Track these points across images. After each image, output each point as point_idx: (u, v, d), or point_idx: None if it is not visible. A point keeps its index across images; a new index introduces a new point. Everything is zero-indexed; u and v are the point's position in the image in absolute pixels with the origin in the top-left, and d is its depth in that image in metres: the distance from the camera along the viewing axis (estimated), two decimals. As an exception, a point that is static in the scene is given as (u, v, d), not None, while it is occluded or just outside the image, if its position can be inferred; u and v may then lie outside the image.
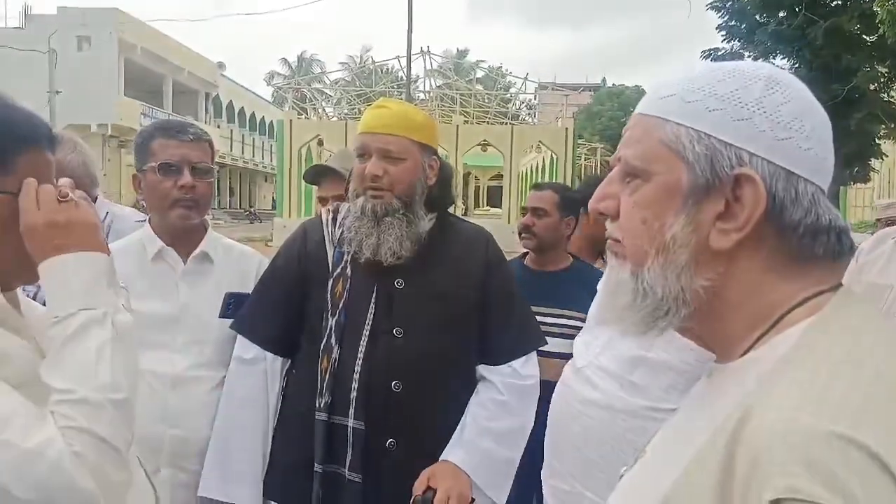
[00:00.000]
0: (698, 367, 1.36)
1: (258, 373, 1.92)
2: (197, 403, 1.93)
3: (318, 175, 2.90)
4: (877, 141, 13.51)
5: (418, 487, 1.76)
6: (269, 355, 1.93)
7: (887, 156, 15.40)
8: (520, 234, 2.94)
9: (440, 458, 1.82)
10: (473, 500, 1.81)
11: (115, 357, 1.04)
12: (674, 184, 0.78)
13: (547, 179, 23.25)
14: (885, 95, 12.94)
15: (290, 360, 1.97)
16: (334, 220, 1.95)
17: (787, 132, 0.74)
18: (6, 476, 0.93)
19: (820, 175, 0.76)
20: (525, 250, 2.97)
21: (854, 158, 12.94)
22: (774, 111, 0.75)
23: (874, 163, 13.97)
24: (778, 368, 0.70)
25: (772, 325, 0.76)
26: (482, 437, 1.84)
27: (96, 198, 2.46)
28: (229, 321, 1.99)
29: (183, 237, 2.01)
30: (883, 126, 12.90)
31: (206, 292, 2.01)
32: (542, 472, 1.77)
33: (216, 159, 2.13)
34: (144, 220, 2.60)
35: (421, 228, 1.87)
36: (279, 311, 1.93)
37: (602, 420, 1.55)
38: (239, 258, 2.12)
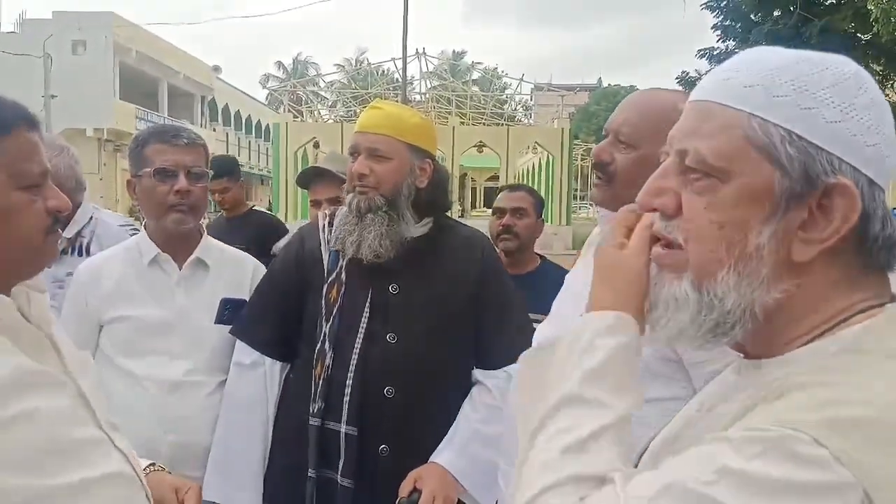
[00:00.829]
0: (652, 361, 1.33)
1: (257, 377, 1.93)
2: (194, 408, 1.94)
3: (310, 177, 2.89)
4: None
5: (404, 489, 1.77)
6: (268, 360, 1.94)
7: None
8: (498, 235, 2.89)
9: (429, 461, 1.82)
10: (460, 502, 1.81)
11: None
12: (763, 188, 0.70)
13: (544, 180, 23.27)
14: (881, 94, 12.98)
15: (288, 365, 1.98)
16: (330, 224, 1.96)
17: (875, 137, 0.69)
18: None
19: (888, 181, 0.72)
20: None
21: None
22: (865, 114, 0.69)
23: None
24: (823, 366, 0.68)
25: (826, 331, 0.72)
26: (472, 441, 1.84)
27: (80, 203, 2.45)
28: (225, 327, 1.99)
29: (178, 243, 2.00)
30: (879, 125, 12.95)
31: (201, 298, 2.01)
32: (501, 461, 1.76)
33: (210, 164, 2.12)
34: (128, 225, 2.60)
35: (405, 230, 1.87)
36: (277, 317, 1.94)
37: None
38: (234, 264, 2.12)
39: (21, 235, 1.09)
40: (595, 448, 0.72)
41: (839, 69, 0.71)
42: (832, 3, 12.65)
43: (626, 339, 0.78)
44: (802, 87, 0.69)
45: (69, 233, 2.38)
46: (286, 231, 2.37)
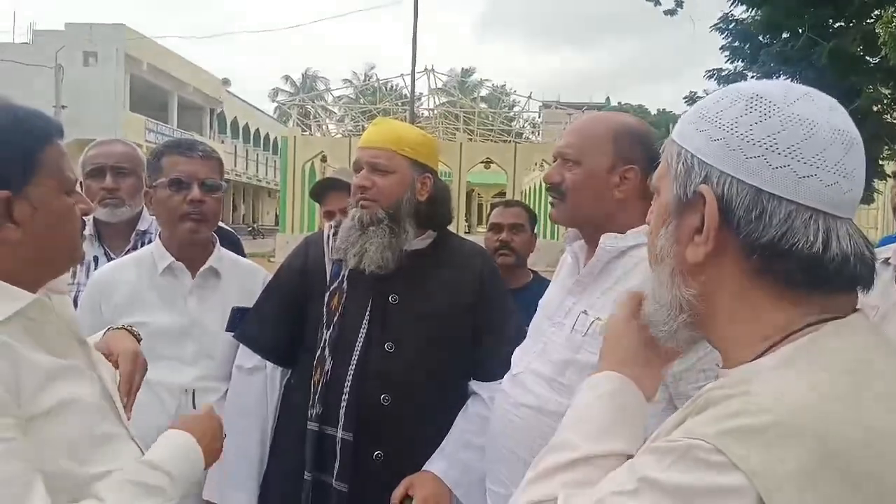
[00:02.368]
0: None
1: (258, 382, 1.97)
2: None
3: (324, 189, 2.92)
4: (880, 162, 13.53)
5: (397, 495, 1.80)
6: (269, 365, 1.98)
7: (891, 177, 15.40)
8: (495, 251, 2.92)
9: (422, 468, 1.85)
10: None
11: None
12: (666, 199, 0.84)
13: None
14: (889, 117, 12.96)
15: (289, 371, 2.01)
16: (335, 234, 1.99)
17: (757, 150, 0.76)
18: None
19: (805, 193, 0.75)
20: None
21: (857, 179, 12.96)
22: (746, 130, 0.77)
23: (878, 184, 13.98)
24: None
25: (770, 347, 0.77)
26: (465, 451, 1.86)
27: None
28: None
29: (192, 252, 2.04)
30: (887, 147, 12.92)
31: (213, 306, 2.05)
32: (486, 478, 1.78)
33: (224, 177, 2.16)
34: None
35: (406, 242, 1.91)
36: (280, 323, 1.98)
37: (533, 421, 1.56)
38: (245, 273, 2.16)
39: (67, 236, 1.20)
40: (548, 480, 0.87)
41: (740, 93, 0.80)
42: (841, 25, 12.67)
43: (604, 390, 0.93)
44: (703, 113, 0.81)
45: (143, 225, 2.49)
46: (242, 248, 2.41)
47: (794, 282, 0.76)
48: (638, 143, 1.60)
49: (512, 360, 1.74)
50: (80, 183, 2.61)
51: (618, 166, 1.58)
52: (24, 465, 1.01)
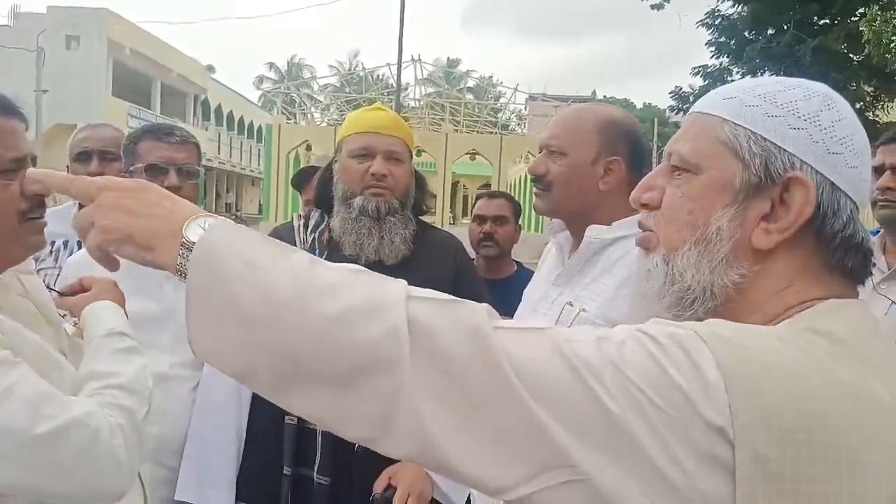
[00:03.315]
0: None
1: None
2: (178, 402, 1.93)
3: (306, 177, 2.90)
4: (862, 159, 13.68)
5: (379, 485, 1.78)
6: None
7: (873, 172, 15.56)
8: (479, 242, 2.92)
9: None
10: (434, 500, 1.81)
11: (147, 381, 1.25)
12: (726, 179, 0.80)
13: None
14: (871, 114, 13.09)
15: None
16: (306, 226, 1.97)
17: (838, 147, 0.77)
18: (51, 447, 1.02)
19: (859, 194, 0.79)
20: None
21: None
22: (829, 126, 0.78)
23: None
24: None
25: (779, 318, 0.77)
26: None
27: None
28: None
29: None
30: (869, 144, 13.05)
31: None
32: None
33: (203, 162, 2.14)
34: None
35: (411, 231, 1.92)
36: None
37: None
38: None
39: None
40: None
41: (809, 88, 0.80)
42: (825, 23, 12.76)
43: None
44: (771, 99, 0.80)
45: None
46: None
47: (833, 269, 0.78)
48: (623, 136, 1.60)
49: None
50: (67, 167, 2.58)
51: (603, 158, 1.58)
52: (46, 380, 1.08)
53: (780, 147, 0.77)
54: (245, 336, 0.69)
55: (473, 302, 0.71)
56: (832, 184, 0.77)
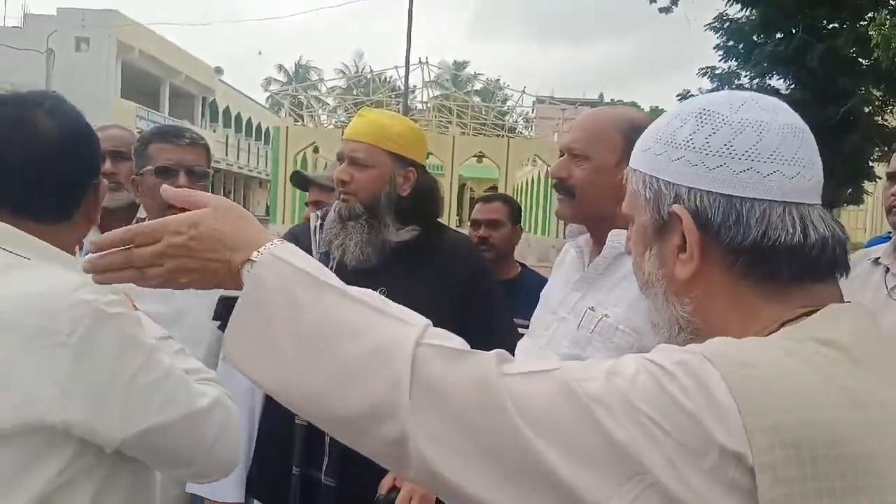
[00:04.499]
0: None
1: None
2: None
3: (303, 182, 2.93)
4: (870, 164, 13.61)
5: (384, 487, 1.79)
6: None
7: (881, 178, 15.51)
8: (476, 246, 2.94)
9: None
10: (438, 501, 1.80)
11: None
12: (643, 225, 0.86)
13: (542, 193, 23.35)
14: (880, 118, 13.05)
15: None
16: (321, 226, 1.99)
17: (717, 160, 0.78)
18: (202, 421, 1.15)
19: (773, 189, 0.77)
20: None
21: (848, 181, 13.04)
22: (704, 144, 0.79)
23: (868, 185, 14.06)
24: None
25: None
26: None
27: None
28: None
29: None
30: (877, 149, 13.00)
31: (201, 295, 2.00)
32: None
33: (211, 164, 2.15)
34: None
35: (388, 235, 1.91)
36: None
37: None
38: None
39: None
40: None
41: (685, 112, 0.83)
42: (834, 27, 12.73)
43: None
44: (657, 136, 0.84)
45: (143, 212, 2.49)
46: None
47: (782, 277, 0.78)
48: None
49: (515, 355, 1.73)
50: None
51: (625, 161, 1.57)
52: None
53: (667, 182, 0.81)
54: (276, 367, 0.79)
55: (483, 352, 0.76)
56: (726, 196, 0.77)
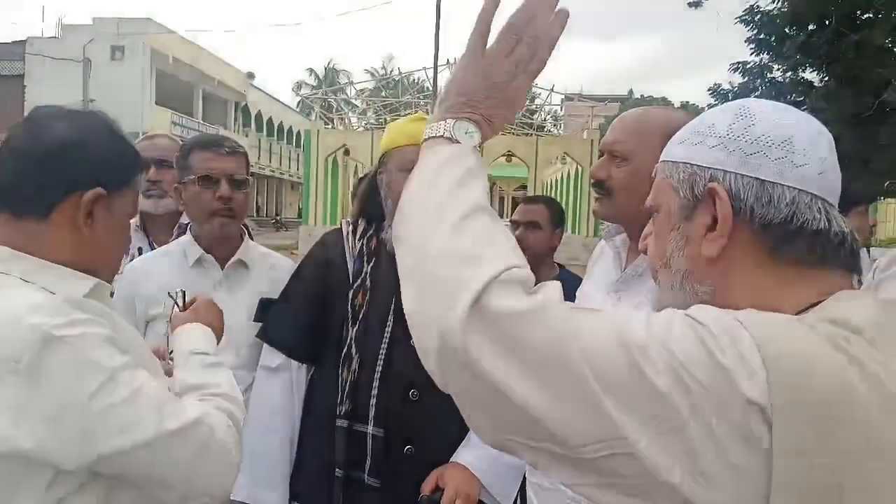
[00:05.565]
0: None
1: (284, 380, 1.98)
2: None
3: None
4: (907, 155, 13.31)
5: (427, 487, 1.81)
6: (294, 363, 1.99)
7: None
8: None
9: (451, 460, 1.86)
10: (482, 502, 1.84)
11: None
12: (670, 210, 0.91)
13: (572, 191, 23.23)
14: (917, 110, 12.75)
15: (313, 368, 2.03)
16: (354, 232, 2.02)
17: (754, 147, 0.85)
18: (176, 443, 1.12)
19: (803, 180, 0.84)
20: None
21: (885, 173, 12.77)
22: (741, 133, 0.86)
23: (904, 177, 13.75)
24: None
25: None
26: None
27: None
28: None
29: (221, 245, 2.10)
30: (914, 140, 12.71)
31: (242, 297, 2.10)
32: (527, 469, 1.79)
33: (250, 171, 2.21)
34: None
35: None
36: (302, 321, 1.99)
37: None
38: (273, 266, 2.21)
39: (119, 249, 1.36)
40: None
41: (725, 108, 0.90)
42: (868, 17, 12.46)
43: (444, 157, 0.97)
44: (695, 130, 0.91)
45: (186, 219, 2.53)
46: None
47: (805, 260, 0.83)
48: None
49: None
50: None
51: None
52: (162, 383, 1.21)
53: (702, 167, 0.87)
54: (405, 225, 0.89)
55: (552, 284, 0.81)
56: (759, 180, 0.84)
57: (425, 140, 0.97)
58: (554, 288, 0.80)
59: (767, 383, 0.68)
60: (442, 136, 0.95)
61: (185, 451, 1.12)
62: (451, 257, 0.81)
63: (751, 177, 0.84)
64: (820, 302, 0.81)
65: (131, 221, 2.63)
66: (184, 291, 1.61)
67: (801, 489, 0.68)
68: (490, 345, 0.74)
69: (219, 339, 1.52)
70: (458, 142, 0.94)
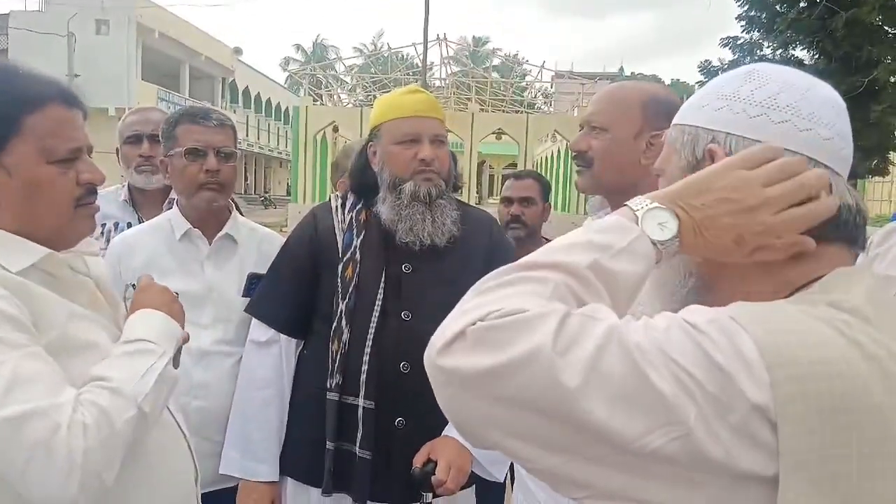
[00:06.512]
0: None
1: (273, 355, 1.98)
2: (221, 376, 2.01)
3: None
4: (895, 134, 13.37)
5: (419, 459, 1.81)
6: (284, 337, 1.98)
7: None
8: (507, 224, 2.96)
9: (442, 434, 1.86)
10: (473, 473, 1.85)
11: (158, 384, 1.18)
12: (673, 172, 0.90)
13: (562, 169, 23.21)
14: (907, 87, 12.78)
15: (302, 341, 2.02)
16: (343, 205, 2.01)
17: (759, 110, 0.83)
18: (10, 432, 1.00)
19: (807, 145, 0.81)
20: None
21: (873, 151, 12.83)
22: (748, 95, 0.84)
23: (894, 156, 13.83)
24: None
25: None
26: None
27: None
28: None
29: (209, 219, 2.07)
30: (903, 119, 12.76)
31: (230, 272, 2.08)
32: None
33: (237, 144, 2.18)
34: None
35: (456, 210, 1.96)
36: (292, 295, 1.98)
37: None
38: (262, 240, 2.19)
39: (48, 209, 1.18)
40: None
41: (737, 71, 0.89)
42: (859, -6, 12.46)
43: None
44: (704, 93, 0.90)
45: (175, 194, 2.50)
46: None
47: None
48: (668, 111, 1.58)
49: None
50: (117, 150, 2.66)
51: (646, 132, 1.57)
52: (51, 367, 1.08)
53: (706, 129, 0.86)
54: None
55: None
56: (760, 143, 0.82)
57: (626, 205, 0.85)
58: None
59: (768, 380, 0.67)
60: (634, 212, 0.83)
61: (16, 442, 1.01)
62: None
63: (751, 139, 0.82)
64: (818, 279, 0.79)
65: (121, 198, 2.61)
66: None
67: (812, 480, 0.66)
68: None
69: (176, 318, 1.39)
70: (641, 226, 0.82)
